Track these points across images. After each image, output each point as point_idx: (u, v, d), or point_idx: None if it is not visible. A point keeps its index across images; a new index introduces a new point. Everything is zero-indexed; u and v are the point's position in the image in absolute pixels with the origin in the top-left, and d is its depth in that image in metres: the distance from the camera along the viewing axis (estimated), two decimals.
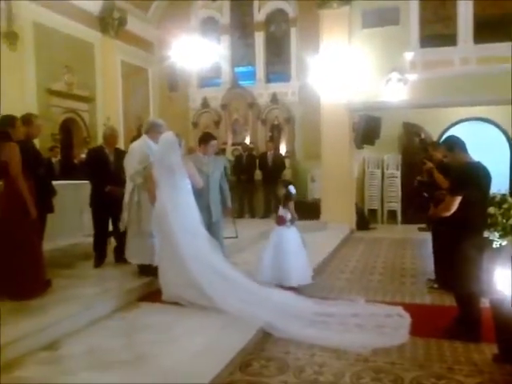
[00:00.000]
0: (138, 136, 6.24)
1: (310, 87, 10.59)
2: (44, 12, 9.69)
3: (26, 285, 4.34)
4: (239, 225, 8.01)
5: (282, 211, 5.51)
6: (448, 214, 3.96)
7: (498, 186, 4.19)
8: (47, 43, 9.75)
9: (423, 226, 8.91)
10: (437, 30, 10.07)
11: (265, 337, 4.11)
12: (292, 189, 5.53)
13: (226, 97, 12.74)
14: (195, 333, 3.98)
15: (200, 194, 5.09)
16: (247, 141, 12.42)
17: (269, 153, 11.14)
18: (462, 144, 4.18)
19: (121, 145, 8.64)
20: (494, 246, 3.88)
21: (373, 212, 12.01)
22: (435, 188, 5.31)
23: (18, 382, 3.14)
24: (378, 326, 4.30)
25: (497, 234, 3.86)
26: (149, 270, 5.10)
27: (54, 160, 8.99)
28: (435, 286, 5.66)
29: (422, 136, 11.63)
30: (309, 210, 10.82)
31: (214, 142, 5.56)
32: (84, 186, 6.18)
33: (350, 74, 9.85)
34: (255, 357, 3.75)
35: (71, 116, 10.71)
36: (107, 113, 11.39)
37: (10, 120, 4.51)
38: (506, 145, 11.92)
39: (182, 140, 4.94)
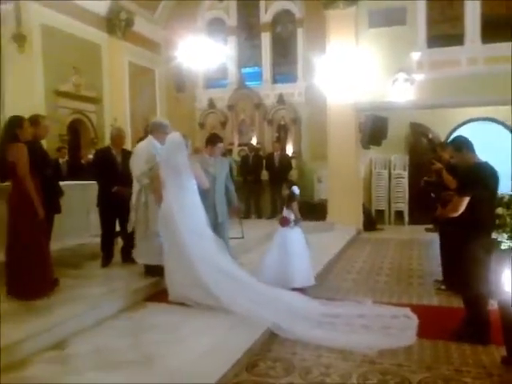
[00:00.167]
0: (144, 137, 6.24)
1: (316, 88, 10.58)
2: (51, 14, 9.75)
3: (34, 284, 4.36)
4: (246, 225, 8.01)
5: (285, 212, 5.49)
6: (456, 214, 3.94)
7: (506, 187, 4.16)
8: (55, 45, 9.80)
9: (430, 226, 8.86)
10: (444, 30, 10.01)
11: (271, 337, 4.10)
12: (296, 189, 5.51)
13: (233, 97, 12.74)
14: (202, 333, 3.98)
15: (206, 195, 5.10)
16: (254, 141, 12.42)
17: (275, 153, 11.14)
18: (470, 144, 4.15)
19: (128, 145, 8.65)
20: (503, 247, 3.85)
21: (380, 213, 11.97)
22: (442, 188, 5.28)
23: (25, 382, 3.15)
24: (384, 327, 4.28)
25: (505, 236, 3.84)
26: (155, 270, 5.11)
27: (61, 161, 9.04)
28: (443, 287, 5.63)
29: (430, 136, 11.56)
30: (315, 211, 10.83)
31: (220, 144, 5.60)
32: (91, 187, 6.20)
33: (357, 74, 9.84)
34: (262, 357, 3.75)
35: (79, 117, 10.77)
36: (114, 114, 11.44)
37: (17, 121, 4.52)
38: None
39: (188, 141, 4.95)
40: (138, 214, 5.33)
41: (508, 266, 3.63)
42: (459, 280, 4.26)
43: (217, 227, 5.24)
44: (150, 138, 5.47)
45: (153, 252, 5.07)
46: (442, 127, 11.55)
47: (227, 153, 10.06)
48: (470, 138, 4.22)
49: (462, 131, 10.79)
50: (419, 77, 9.77)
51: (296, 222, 5.45)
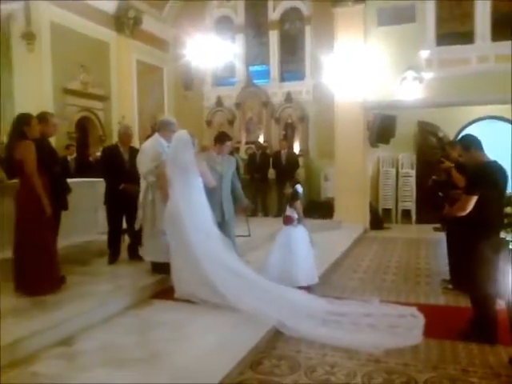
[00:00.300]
0: (151, 135, 6.27)
1: (324, 86, 10.56)
2: (60, 12, 9.80)
3: (41, 281, 4.40)
4: (252, 223, 8.01)
5: (288, 211, 5.48)
6: (463, 213, 3.91)
7: None
8: (63, 43, 9.84)
9: (438, 225, 8.81)
10: (453, 28, 9.93)
11: (276, 335, 4.10)
12: (299, 188, 5.47)
13: (241, 95, 12.73)
14: (207, 331, 4.00)
15: (212, 193, 5.10)
16: (261, 139, 12.40)
17: (282, 151, 11.12)
18: (478, 143, 4.11)
19: (136, 143, 8.69)
20: (511, 246, 3.82)
21: (387, 211, 11.91)
22: (450, 187, 5.25)
23: (32, 377, 3.17)
24: (390, 326, 4.27)
25: None
26: (162, 268, 5.12)
27: (69, 158, 9.10)
28: (450, 286, 5.60)
29: (440, 135, 11.49)
30: (322, 209, 10.84)
31: (229, 143, 5.62)
32: (99, 184, 6.23)
33: (365, 72, 9.79)
34: (267, 355, 3.75)
35: (87, 115, 10.81)
36: (122, 111, 11.48)
37: (25, 118, 4.54)
38: None
39: (195, 139, 4.96)
40: (145, 211, 5.35)
41: None
42: (467, 279, 4.23)
43: (223, 225, 5.25)
44: (156, 135, 5.48)
45: (160, 249, 5.08)
46: (450, 126, 11.46)
47: (234, 151, 10.06)
48: (479, 137, 4.18)
49: (471, 130, 10.70)
50: (428, 75, 9.70)
51: (299, 220, 5.44)
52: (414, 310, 4.61)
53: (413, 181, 11.70)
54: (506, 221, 4.00)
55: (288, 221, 5.43)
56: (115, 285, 4.91)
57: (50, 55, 9.63)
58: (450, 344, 3.93)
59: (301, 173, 11.32)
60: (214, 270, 4.60)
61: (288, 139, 11.96)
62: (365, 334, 4.11)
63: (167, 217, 4.78)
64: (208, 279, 4.54)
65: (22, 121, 4.51)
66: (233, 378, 3.30)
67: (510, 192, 4.05)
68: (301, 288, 5.03)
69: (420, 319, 4.39)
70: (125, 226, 5.95)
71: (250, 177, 10.97)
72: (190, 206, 4.73)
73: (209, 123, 13.10)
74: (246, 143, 12.66)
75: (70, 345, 3.69)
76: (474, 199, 3.85)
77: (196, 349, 3.62)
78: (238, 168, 6.14)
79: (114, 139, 8.71)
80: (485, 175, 3.94)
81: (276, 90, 12.72)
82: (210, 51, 10.02)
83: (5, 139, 6.38)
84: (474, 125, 11.45)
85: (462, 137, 4.45)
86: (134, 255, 5.87)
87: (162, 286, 5.08)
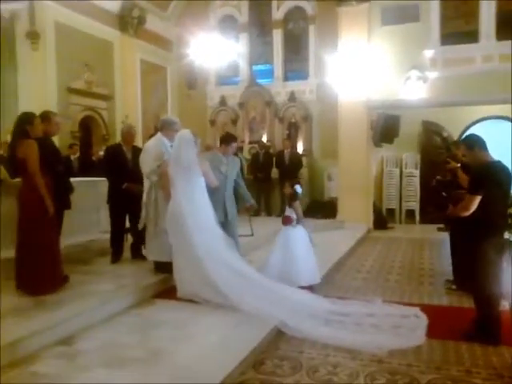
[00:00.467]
0: (154, 134, 6.26)
1: (328, 85, 10.53)
2: (65, 12, 9.83)
3: (44, 280, 4.39)
4: (255, 223, 8.00)
5: (287, 211, 5.46)
6: (467, 213, 3.88)
7: None
8: (68, 42, 9.87)
9: (442, 226, 8.77)
10: (458, 27, 9.88)
11: (278, 335, 4.09)
12: (298, 188, 5.44)
13: (244, 95, 12.72)
14: (210, 330, 4.00)
15: (215, 193, 5.09)
16: (264, 139, 12.39)
17: (286, 151, 11.09)
18: (482, 143, 4.08)
19: (139, 143, 8.70)
20: None
21: (391, 211, 11.88)
22: (454, 187, 5.22)
23: (32, 377, 3.17)
24: (394, 326, 4.25)
25: None
26: (165, 267, 5.11)
27: (72, 157, 9.11)
28: (453, 287, 5.57)
29: (445, 135, 11.45)
30: (325, 209, 10.82)
31: (234, 144, 5.60)
32: (102, 183, 6.23)
33: (369, 71, 9.76)
34: (269, 355, 3.74)
35: (90, 114, 10.84)
36: (126, 111, 11.50)
37: (28, 117, 4.53)
38: None
39: (197, 138, 4.95)
40: (149, 211, 5.34)
41: None
42: (470, 280, 4.21)
43: (226, 225, 5.24)
44: (159, 135, 5.48)
45: (162, 249, 5.07)
46: (454, 125, 11.42)
47: (238, 150, 10.05)
48: (484, 137, 4.16)
49: (475, 129, 10.66)
50: (432, 74, 9.65)
51: (298, 220, 5.42)
52: (417, 310, 4.59)
53: (417, 181, 11.66)
54: (510, 221, 3.98)
55: (287, 221, 5.40)
56: (117, 284, 4.90)
57: (54, 54, 9.66)
58: (453, 345, 3.91)
59: (304, 172, 11.32)
60: (216, 269, 4.60)
61: (291, 139, 11.94)
62: (368, 334, 4.09)
63: (169, 216, 4.77)
64: (210, 279, 4.54)
65: (25, 120, 4.51)
66: (234, 378, 3.29)
67: None
68: (302, 288, 5.02)
69: (423, 320, 4.37)
70: (127, 225, 5.95)
71: (253, 176, 10.95)
72: (192, 206, 4.72)
73: (212, 122, 13.09)
74: (250, 143, 12.64)
75: (71, 344, 3.68)
76: (478, 199, 3.82)
77: (198, 348, 3.61)
78: (241, 168, 6.13)
79: (118, 138, 8.70)
80: (488, 175, 3.91)
81: (279, 90, 12.71)
82: (214, 50, 10.01)
83: (8, 138, 6.39)
84: (478, 124, 11.41)
85: (466, 136, 4.42)
86: (137, 254, 5.87)
87: (165, 285, 5.07)
